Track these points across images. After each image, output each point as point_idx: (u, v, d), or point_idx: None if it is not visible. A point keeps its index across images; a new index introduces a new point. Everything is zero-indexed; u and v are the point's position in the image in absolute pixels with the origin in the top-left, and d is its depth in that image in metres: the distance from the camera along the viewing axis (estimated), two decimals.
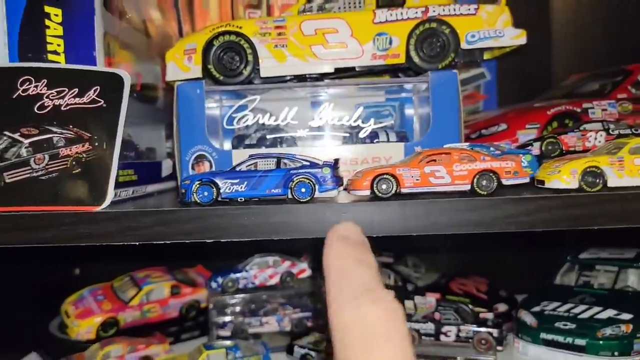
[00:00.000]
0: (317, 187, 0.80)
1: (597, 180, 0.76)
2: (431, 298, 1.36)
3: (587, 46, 1.59)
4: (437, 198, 0.78)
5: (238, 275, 1.34)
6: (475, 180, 0.78)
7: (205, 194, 0.81)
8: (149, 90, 1.11)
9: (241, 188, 0.81)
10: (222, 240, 0.79)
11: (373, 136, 1.05)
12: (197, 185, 0.81)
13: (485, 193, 0.78)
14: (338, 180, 0.82)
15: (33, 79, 0.81)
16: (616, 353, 1.10)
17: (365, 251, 0.46)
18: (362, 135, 1.04)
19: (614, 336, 1.11)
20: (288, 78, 1.07)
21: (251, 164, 0.84)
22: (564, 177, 0.77)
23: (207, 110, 1.06)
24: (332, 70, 1.03)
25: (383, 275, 1.45)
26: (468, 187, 0.79)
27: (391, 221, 0.78)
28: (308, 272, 1.37)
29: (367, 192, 0.79)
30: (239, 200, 0.82)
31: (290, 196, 0.81)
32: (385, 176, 0.79)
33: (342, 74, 1.07)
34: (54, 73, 0.82)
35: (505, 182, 0.78)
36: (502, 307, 1.34)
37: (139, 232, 0.80)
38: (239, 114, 1.04)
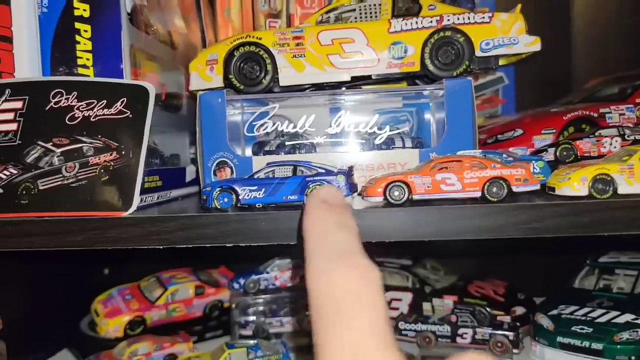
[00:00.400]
0: None
1: (607, 188, 0.78)
2: (448, 300, 1.38)
3: (608, 50, 1.58)
4: (448, 205, 0.80)
5: (259, 276, 1.38)
6: (485, 187, 0.80)
7: (225, 200, 0.85)
8: (173, 99, 1.15)
9: (259, 194, 0.85)
10: (241, 245, 0.83)
11: (389, 142, 1.08)
12: (218, 192, 0.85)
13: (495, 200, 0.80)
14: (352, 187, 0.85)
15: (64, 92, 0.86)
16: (633, 358, 1.10)
17: (346, 214, 0.43)
18: (378, 141, 1.07)
19: (632, 341, 1.11)
20: (307, 86, 1.10)
21: (269, 172, 0.88)
22: (574, 184, 0.78)
23: (229, 117, 1.10)
24: (348, 79, 1.05)
25: (401, 277, 1.47)
26: (479, 194, 0.81)
27: (404, 227, 0.80)
28: None
29: (380, 199, 0.82)
30: (257, 206, 0.86)
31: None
32: (397, 183, 0.81)
33: (359, 82, 1.10)
34: (84, 86, 0.87)
35: (515, 189, 0.80)
36: (519, 310, 1.35)
37: (163, 236, 0.85)
38: (259, 122, 1.08)
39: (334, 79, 1.06)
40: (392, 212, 0.80)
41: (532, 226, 0.77)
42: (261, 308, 1.38)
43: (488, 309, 1.28)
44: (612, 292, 1.27)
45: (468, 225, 0.78)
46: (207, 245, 0.84)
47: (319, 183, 0.83)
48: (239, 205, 0.86)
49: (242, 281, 1.38)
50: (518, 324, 1.23)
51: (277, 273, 1.38)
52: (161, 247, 0.85)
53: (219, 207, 0.85)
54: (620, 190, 0.78)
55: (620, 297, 1.24)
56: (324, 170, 0.86)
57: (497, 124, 1.27)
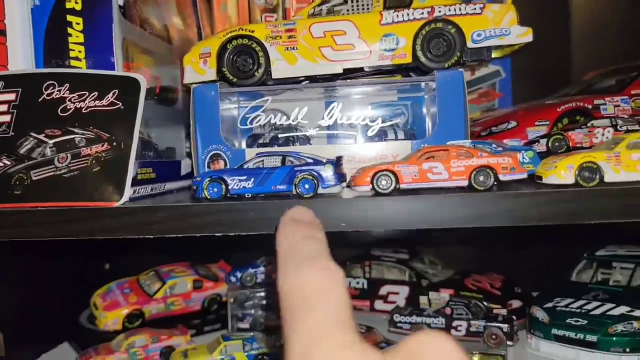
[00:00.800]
0: (319, 183, 0.83)
1: (594, 176, 0.77)
2: (445, 294, 1.38)
3: (607, 43, 1.57)
4: (436, 194, 0.80)
5: (256, 270, 1.38)
6: (472, 176, 0.80)
7: (215, 190, 0.86)
8: (168, 92, 1.16)
9: (248, 184, 0.85)
10: (230, 234, 0.84)
11: (382, 134, 1.08)
12: (207, 182, 0.86)
13: (482, 189, 0.80)
14: (341, 177, 0.86)
15: (57, 84, 0.88)
16: (627, 349, 1.09)
17: (315, 229, 0.48)
18: (370, 133, 1.08)
19: (626, 332, 1.10)
20: (301, 79, 1.11)
21: (258, 162, 0.89)
22: (560, 172, 0.78)
23: (226, 111, 1.11)
24: (340, 71, 1.06)
25: (398, 271, 1.48)
26: (466, 183, 0.81)
27: (391, 216, 0.81)
28: None
29: (368, 188, 0.83)
30: (246, 196, 0.87)
31: (294, 192, 0.84)
32: (384, 172, 0.82)
33: (352, 74, 1.10)
34: (76, 78, 0.88)
35: (502, 177, 0.80)
36: (516, 304, 1.35)
37: (153, 226, 0.85)
38: (252, 115, 1.09)
39: (325, 72, 1.06)
40: (380, 201, 0.81)
41: (518, 215, 0.77)
42: (258, 301, 1.39)
43: (484, 302, 1.28)
44: (608, 286, 1.27)
45: (454, 214, 0.79)
46: (198, 235, 0.85)
47: (307, 173, 0.84)
48: (228, 195, 0.86)
49: (239, 274, 1.38)
50: (513, 316, 1.23)
51: (274, 266, 1.38)
52: (166, 240, 0.86)
53: (208, 197, 0.86)
54: (607, 178, 0.77)
55: (616, 290, 1.24)
56: (312, 160, 0.86)
57: (492, 116, 1.27)
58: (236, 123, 1.14)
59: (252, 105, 1.08)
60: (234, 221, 0.83)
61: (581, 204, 0.76)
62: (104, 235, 0.86)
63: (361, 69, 1.08)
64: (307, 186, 0.83)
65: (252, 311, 1.39)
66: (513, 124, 1.17)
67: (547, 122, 1.13)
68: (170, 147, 1.19)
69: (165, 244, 1.75)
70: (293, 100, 1.13)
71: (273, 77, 1.06)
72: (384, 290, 1.47)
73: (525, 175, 0.82)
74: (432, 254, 1.58)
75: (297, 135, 1.10)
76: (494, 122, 1.21)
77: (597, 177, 0.77)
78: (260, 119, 1.09)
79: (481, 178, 0.80)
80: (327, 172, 0.84)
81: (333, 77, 1.11)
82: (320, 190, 0.84)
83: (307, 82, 1.12)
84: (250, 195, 0.87)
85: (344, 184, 0.89)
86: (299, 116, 1.07)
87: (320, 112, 1.10)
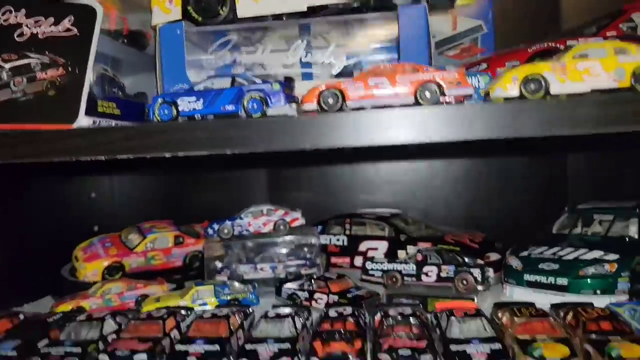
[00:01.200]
0: (268, 103, 0.83)
1: (539, 87, 0.76)
2: (423, 247, 1.37)
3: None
4: (382, 110, 0.79)
5: (233, 222, 1.38)
6: (418, 91, 0.79)
7: (166, 112, 0.87)
8: (138, 36, 1.18)
9: (198, 106, 0.86)
10: (179, 154, 0.84)
11: (347, 74, 1.08)
12: (159, 104, 0.87)
13: (428, 104, 0.79)
14: (289, 98, 0.86)
15: (13, 9, 0.89)
16: (598, 291, 1.07)
17: None
18: (334, 72, 1.08)
19: (597, 275, 1.08)
20: (270, 18, 1.11)
21: (208, 84, 0.89)
22: (505, 84, 0.77)
23: (202, 61, 1.12)
24: (304, 9, 1.06)
25: (378, 228, 1.46)
26: (412, 100, 0.80)
27: (336, 134, 0.80)
28: (301, 221, 1.39)
29: (314, 106, 0.82)
30: (196, 117, 0.87)
31: (242, 112, 0.85)
32: (331, 90, 0.81)
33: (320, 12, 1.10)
34: (32, 3, 0.90)
35: (448, 92, 0.79)
36: (494, 257, 1.33)
37: (108, 146, 0.86)
38: (219, 53, 1.10)
39: (290, 9, 1.06)
40: (326, 118, 0.80)
41: (463, 129, 0.76)
42: (235, 254, 1.39)
43: (463, 256, 1.25)
44: (587, 235, 1.24)
45: (400, 130, 0.77)
46: (148, 156, 0.86)
47: (255, 92, 0.84)
48: (179, 117, 0.87)
49: (216, 227, 1.39)
50: (484, 264, 1.21)
51: (251, 219, 1.38)
52: (104, 158, 0.86)
53: (159, 119, 0.87)
54: (553, 90, 0.76)
55: (593, 239, 1.21)
56: (260, 81, 0.86)
57: (467, 63, 1.26)
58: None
59: (218, 44, 1.09)
60: (183, 140, 0.84)
61: (525, 115, 0.74)
62: (60, 156, 0.87)
63: (326, 7, 1.08)
64: (255, 106, 0.84)
65: (229, 264, 1.39)
66: (484, 66, 1.16)
67: (517, 63, 1.11)
68: (142, 92, 1.20)
69: (156, 209, 1.77)
70: (258, 38, 1.13)
71: (238, 15, 1.07)
72: (363, 247, 1.46)
73: (472, 90, 0.81)
74: (416, 213, 1.57)
75: (263, 75, 1.10)
76: (467, 67, 1.19)
77: (543, 88, 0.76)
78: (226, 58, 1.09)
79: (427, 93, 0.79)
80: (275, 92, 0.84)
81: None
82: (269, 112, 0.84)
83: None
84: (200, 117, 0.87)
85: (294, 105, 0.89)
86: (263, 55, 1.08)
87: (286, 51, 1.10)
